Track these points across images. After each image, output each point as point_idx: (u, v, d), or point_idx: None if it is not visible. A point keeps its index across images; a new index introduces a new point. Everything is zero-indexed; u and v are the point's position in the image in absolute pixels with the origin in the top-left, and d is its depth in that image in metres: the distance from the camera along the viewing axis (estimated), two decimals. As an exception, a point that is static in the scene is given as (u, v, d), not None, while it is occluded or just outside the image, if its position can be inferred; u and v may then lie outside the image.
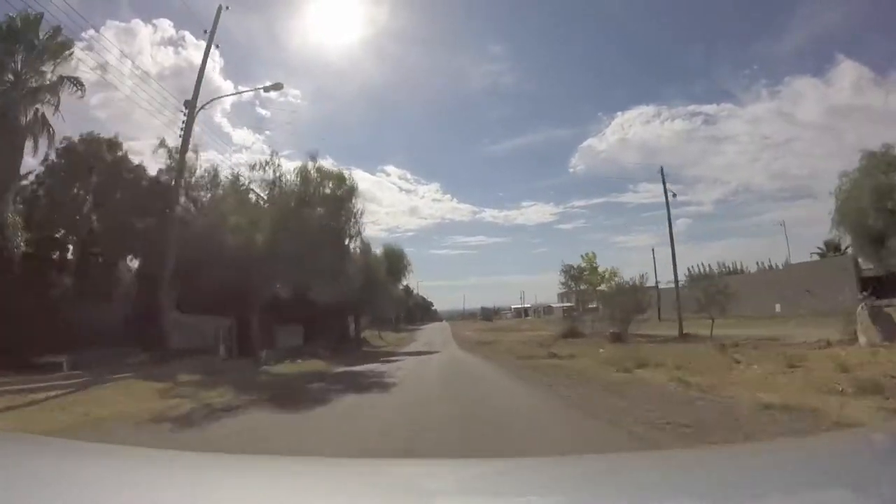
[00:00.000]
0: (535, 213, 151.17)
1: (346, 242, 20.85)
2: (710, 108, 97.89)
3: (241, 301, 18.89)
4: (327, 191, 19.83)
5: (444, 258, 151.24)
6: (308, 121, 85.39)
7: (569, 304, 79.13)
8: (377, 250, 32.19)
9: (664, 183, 25.98)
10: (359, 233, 21.13)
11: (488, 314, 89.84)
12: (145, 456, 1.62)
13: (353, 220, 20.45)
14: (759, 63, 76.25)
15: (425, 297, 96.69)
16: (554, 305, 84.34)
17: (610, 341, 21.02)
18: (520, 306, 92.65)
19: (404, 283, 33.14)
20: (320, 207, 19.57)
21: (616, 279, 26.73)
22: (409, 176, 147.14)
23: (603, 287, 28.43)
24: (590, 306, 35.31)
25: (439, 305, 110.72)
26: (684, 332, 22.82)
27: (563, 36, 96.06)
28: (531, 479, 1.32)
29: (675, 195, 26.17)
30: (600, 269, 30.10)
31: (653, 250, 47.04)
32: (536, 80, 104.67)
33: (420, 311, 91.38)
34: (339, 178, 20.17)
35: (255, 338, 19.14)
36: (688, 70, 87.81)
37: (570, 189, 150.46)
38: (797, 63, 76.88)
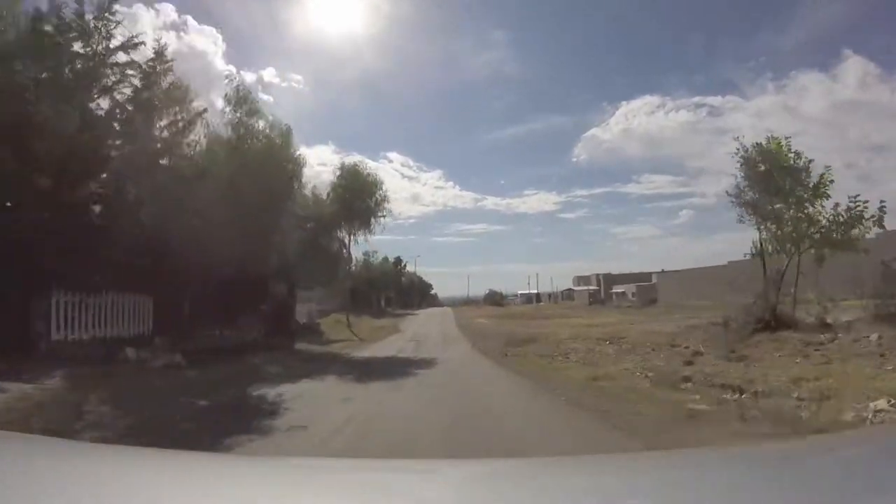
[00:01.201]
0: (538, 201, 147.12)
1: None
2: (715, 100, 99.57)
3: None
4: None
5: (446, 245, 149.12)
6: (311, 106, 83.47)
7: (594, 288, 66.60)
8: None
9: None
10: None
11: (496, 298, 75.74)
12: (145, 456, 1.58)
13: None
14: (766, 56, 71.16)
15: (424, 278, 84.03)
16: (575, 289, 72.28)
17: None
18: (527, 292, 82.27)
19: (381, 221, 18.25)
20: None
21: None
22: (411, 163, 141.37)
23: (810, 210, 12.01)
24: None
25: (441, 292, 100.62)
26: None
27: (567, 24, 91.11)
28: (532, 479, 1.28)
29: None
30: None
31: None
32: (540, 69, 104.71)
33: (417, 295, 79.31)
34: None
35: None
36: (693, 61, 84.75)
37: (572, 178, 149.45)
38: (803, 57, 73.18)
